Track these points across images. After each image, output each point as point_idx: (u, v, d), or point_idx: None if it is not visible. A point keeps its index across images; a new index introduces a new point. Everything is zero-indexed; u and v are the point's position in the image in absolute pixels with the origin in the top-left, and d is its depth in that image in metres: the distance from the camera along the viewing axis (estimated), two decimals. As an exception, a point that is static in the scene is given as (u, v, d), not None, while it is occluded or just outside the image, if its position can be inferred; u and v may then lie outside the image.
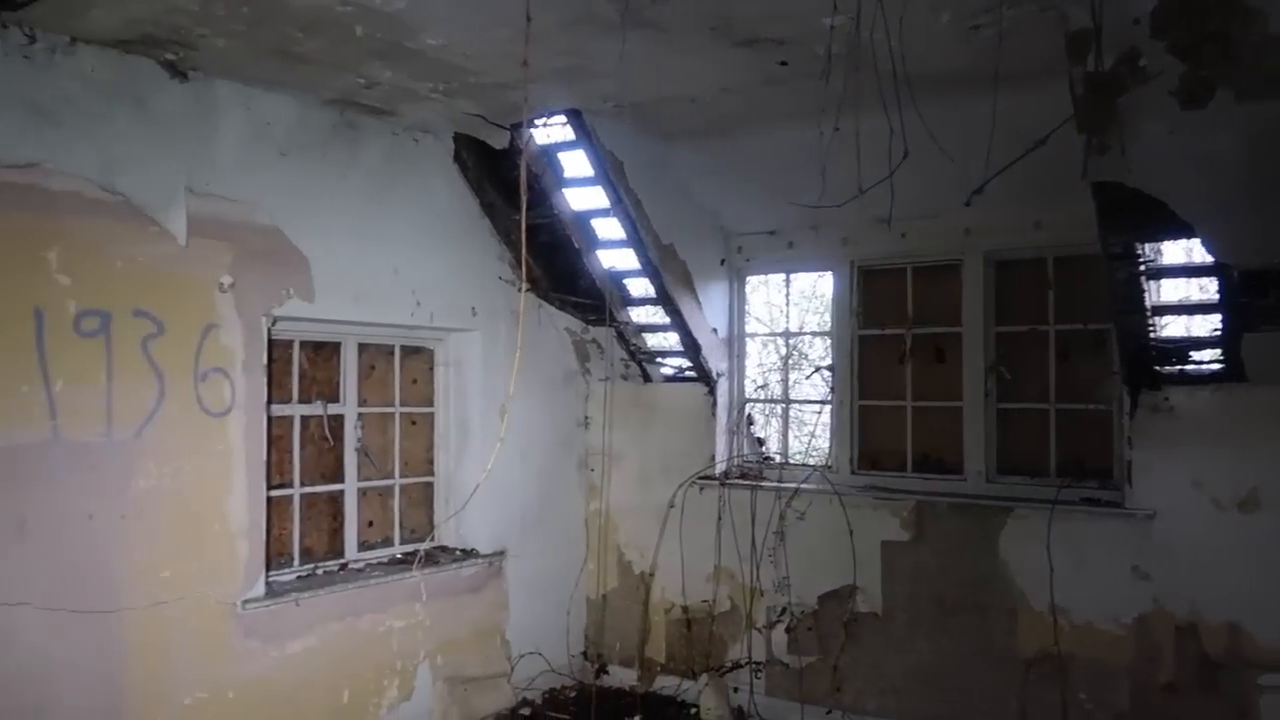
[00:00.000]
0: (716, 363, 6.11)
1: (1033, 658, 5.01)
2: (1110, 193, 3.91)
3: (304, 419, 5.13)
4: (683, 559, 6.13)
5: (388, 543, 5.59)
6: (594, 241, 5.90)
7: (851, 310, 5.84)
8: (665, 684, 6.19)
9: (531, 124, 5.30)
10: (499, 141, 5.43)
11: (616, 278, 6.08)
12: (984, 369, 5.38)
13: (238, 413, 4.47)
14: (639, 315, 6.31)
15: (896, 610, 5.45)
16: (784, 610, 5.80)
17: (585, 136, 5.18)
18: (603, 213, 5.68)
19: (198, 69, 4.34)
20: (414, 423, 5.80)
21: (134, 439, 4.08)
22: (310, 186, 4.84)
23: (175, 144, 4.28)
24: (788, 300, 6.64)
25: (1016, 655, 5.06)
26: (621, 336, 6.29)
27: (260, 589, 4.55)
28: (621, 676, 6.36)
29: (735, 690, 5.90)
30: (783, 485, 5.79)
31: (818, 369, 6.25)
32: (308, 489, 5.15)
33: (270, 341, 4.69)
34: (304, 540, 5.14)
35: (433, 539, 5.82)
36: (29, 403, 3.76)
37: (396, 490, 5.65)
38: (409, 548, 5.63)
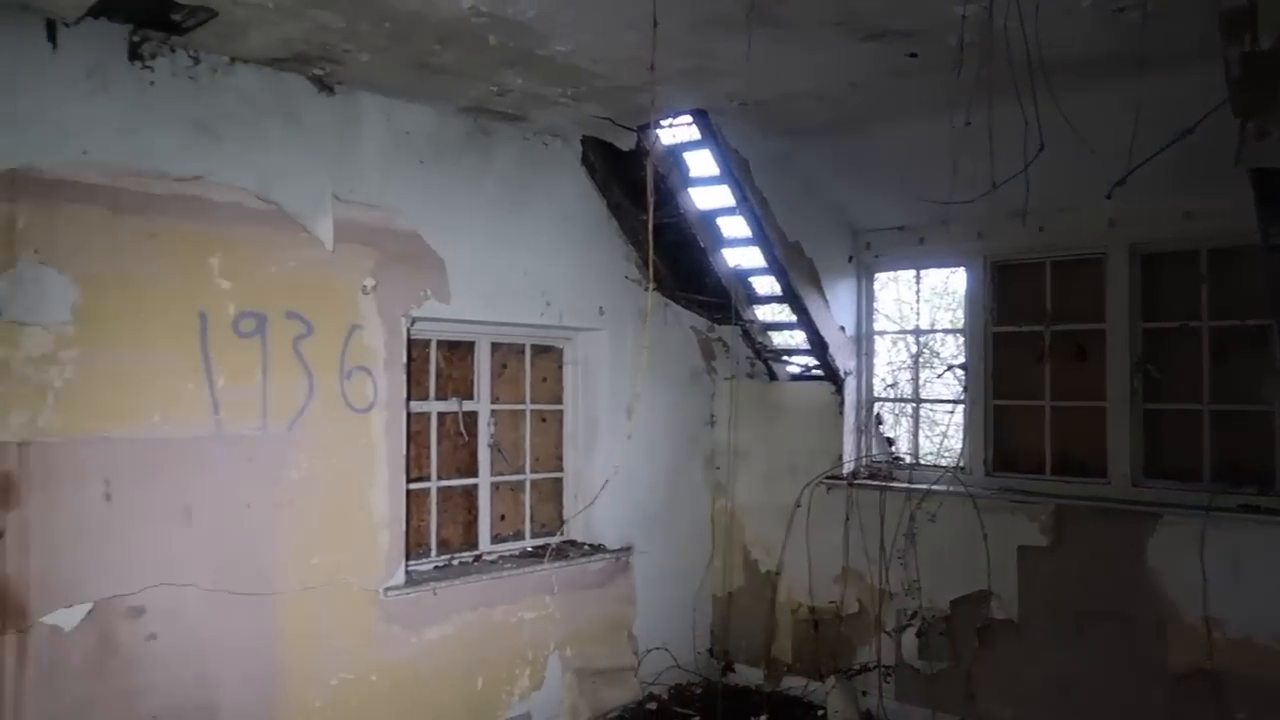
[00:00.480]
0: (844, 361, 6.03)
1: (1183, 673, 4.74)
2: (1270, 180, 3.67)
3: (440, 415, 5.34)
4: (809, 559, 6.08)
5: (519, 536, 5.77)
6: (719, 240, 5.92)
7: (985, 306, 5.66)
8: (792, 684, 6.16)
9: (657, 125, 5.36)
10: (626, 143, 5.52)
11: (742, 276, 6.08)
12: (1130, 367, 5.12)
13: (380, 409, 4.70)
14: (765, 313, 6.28)
15: (1034, 618, 5.26)
16: (914, 614, 5.67)
17: (710, 136, 5.20)
18: (728, 211, 5.69)
19: (343, 83, 4.58)
20: (544, 420, 5.95)
21: (286, 432, 4.35)
22: (446, 192, 5.04)
23: (323, 155, 4.53)
24: (918, 297, 6.49)
25: (1165, 670, 4.80)
26: (747, 335, 6.28)
27: (401, 577, 4.77)
28: (748, 675, 6.36)
29: (864, 694, 5.81)
30: (913, 486, 5.66)
31: (950, 367, 6.09)
32: (444, 483, 5.36)
33: (409, 341, 4.91)
34: (440, 532, 5.35)
35: (562, 533, 5.96)
36: (195, 399, 4.06)
37: (527, 485, 5.82)
38: (539, 541, 5.78)
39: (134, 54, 3.95)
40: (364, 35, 3.97)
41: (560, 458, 6.01)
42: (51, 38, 3.72)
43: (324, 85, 4.56)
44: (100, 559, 3.78)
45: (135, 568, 3.87)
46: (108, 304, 3.82)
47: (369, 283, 4.68)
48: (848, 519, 5.91)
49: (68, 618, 3.68)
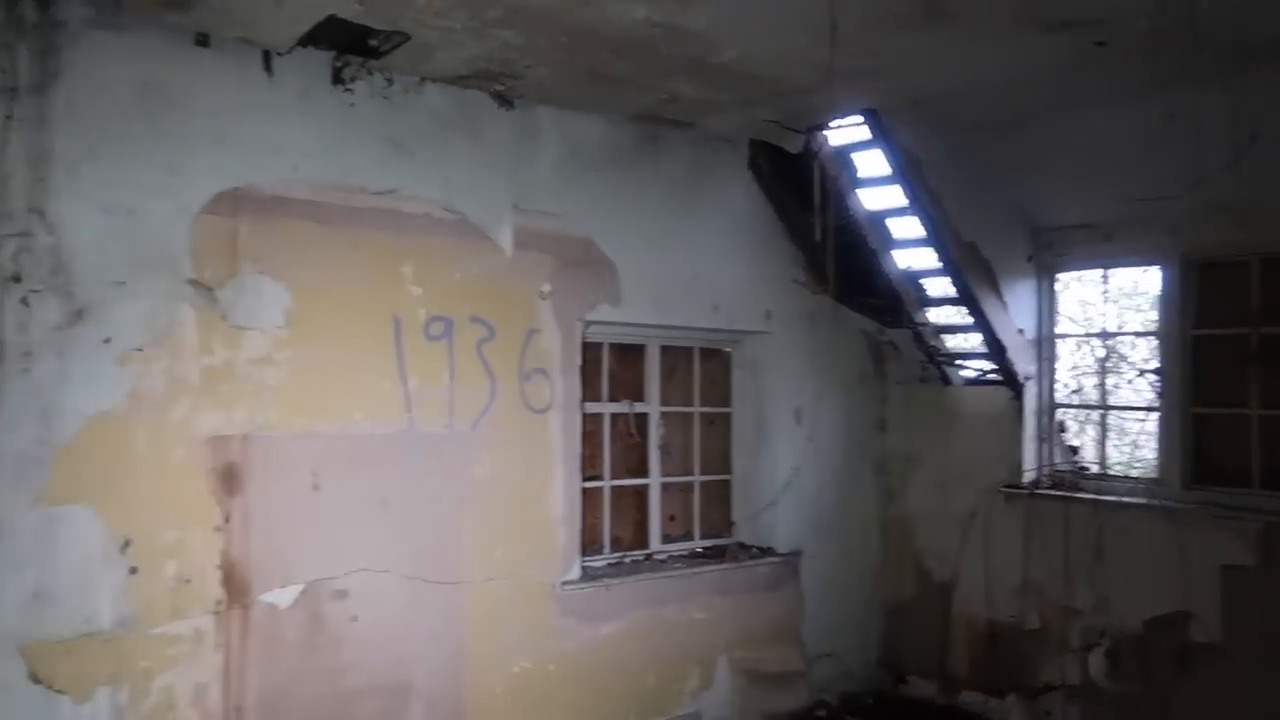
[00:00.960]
0: (1023, 365, 5.79)
1: None
2: None
3: (612, 417, 5.49)
4: (986, 570, 5.86)
5: (688, 537, 5.84)
6: (890, 241, 5.81)
7: (1182, 308, 5.30)
8: (969, 699, 5.94)
9: (826, 126, 5.33)
10: (794, 146, 5.51)
11: (913, 278, 5.94)
12: (1353, 371, 4.68)
13: (556, 410, 4.88)
14: (938, 316, 6.11)
15: (1241, 643, 4.86)
16: (1103, 633, 5.37)
17: (881, 135, 5.13)
18: (899, 211, 5.58)
19: (521, 97, 4.79)
20: (712, 422, 6.01)
21: (471, 431, 4.59)
22: (617, 198, 5.18)
23: (503, 166, 4.76)
24: (1105, 298, 6.15)
25: (1398, 703, 4.36)
26: (919, 338, 6.13)
27: (576, 573, 4.94)
28: (921, 688, 6.18)
29: (1047, 715, 5.54)
30: (1101, 498, 5.37)
31: (1142, 372, 5.73)
32: (616, 483, 5.50)
33: (583, 344, 5.07)
34: (612, 530, 5.49)
35: (731, 535, 5.99)
36: (391, 398, 4.35)
37: (696, 487, 5.88)
38: (708, 543, 5.84)
39: (336, 78, 4.28)
40: (542, 50, 4.15)
41: (728, 460, 6.04)
42: (267, 67, 4.09)
43: (504, 100, 4.78)
44: (310, 544, 4.10)
45: (340, 553, 4.18)
46: (315, 309, 4.15)
47: (546, 288, 4.88)
48: (1028, 530, 5.66)
49: (283, 597, 4.03)
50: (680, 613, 5.35)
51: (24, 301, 3.50)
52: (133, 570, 3.69)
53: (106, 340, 3.67)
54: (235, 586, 3.91)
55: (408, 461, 4.39)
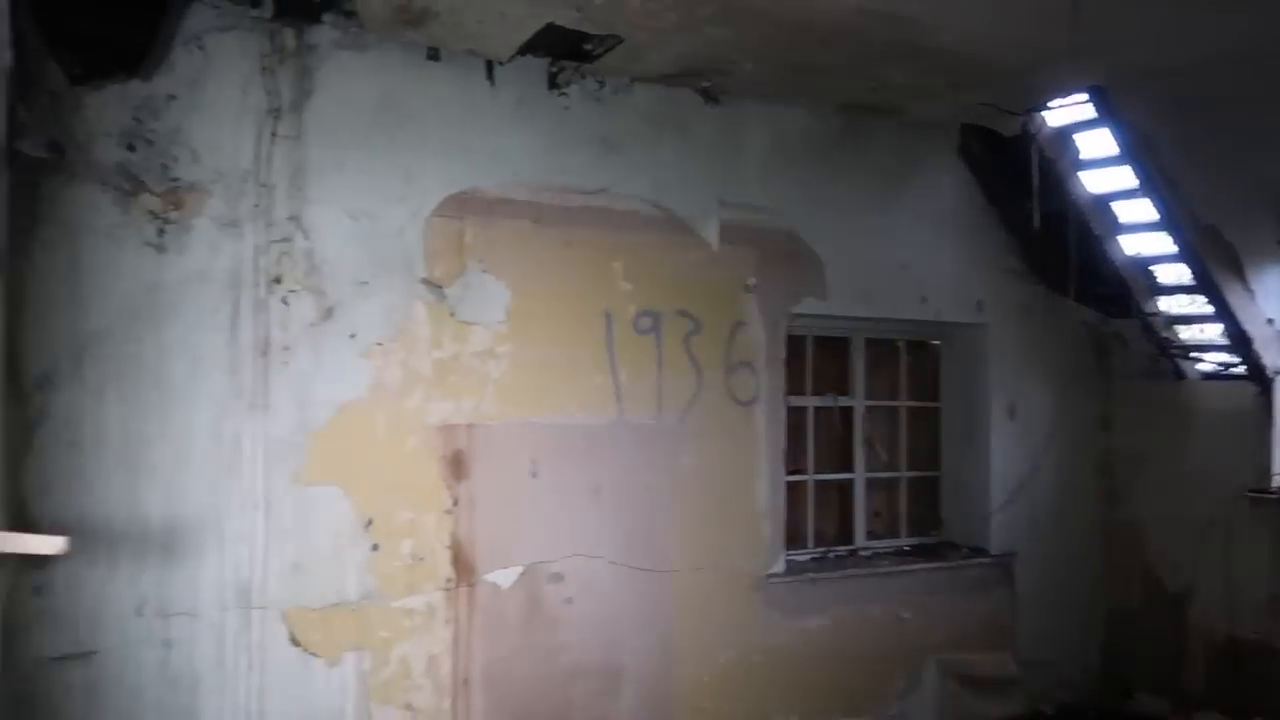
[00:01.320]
0: (1272, 358, 5.27)
1: None
2: None
3: (816, 411, 5.44)
4: (1228, 582, 5.39)
5: (893, 534, 5.71)
6: (1115, 226, 5.44)
7: None
8: (1204, 720, 5.50)
9: (1046, 106, 5.05)
10: (1010, 129, 5.26)
11: (1143, 264, 5.54)
12: None
13: (761, 403, 4.90)
14: (1171, 305, 5.68)
15: None
16: (1370, 655, 4.83)
17: (1109, 113, 4.81)
18: (1127, 194, 5.22)
19: (727, 92, 4.83)
20: (919, 417, 5.84)
21: (678, 423, 4.68)
22: (822, 190, 5.12)
23: (709, 161, 4.82)
24: (1372, 283, 5.50)
25: None
26: (1149, 329, 5.70)
27: (781, 566, 4.94)
28: (1150, 704, 5.76)
29: (1300, 741, 5.05)
30: (1368, 505, 4.83)
31: None
32: (820, 477, 5.45)
33: (787, 337, 5.06)
34: (816, 524, 5.45)
35: (939, 534, 5.80)
36: (602, 390, 4.50)
37: (902, 483, 5.74)
38: (914, 540, 5.69)
39: (552, 83, 4.47)
40: (751, 45, 4.17)
41: (936, 456, 5.86)
42: (489, 76, 4.32)
43: (710, 96, 4.83)
44: (529, 528, 4.32)
45: (556, 538, 4.38)
46: (532, 305, 4.36)
47: (751, 281, 4.90)
48: (1278, 540, 5.16)
49: (504, 577, 4.25)
50: (886, 611, 5.24)
51: (284, 301, 3.87)
52: (374, 547, 4.01)
53: (352, 335, 4.00)
54: (462, 566, 4.17)
55: (618, 452, 4.53)
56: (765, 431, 4.91)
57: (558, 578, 4.37)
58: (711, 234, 4.80)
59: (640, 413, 4.59)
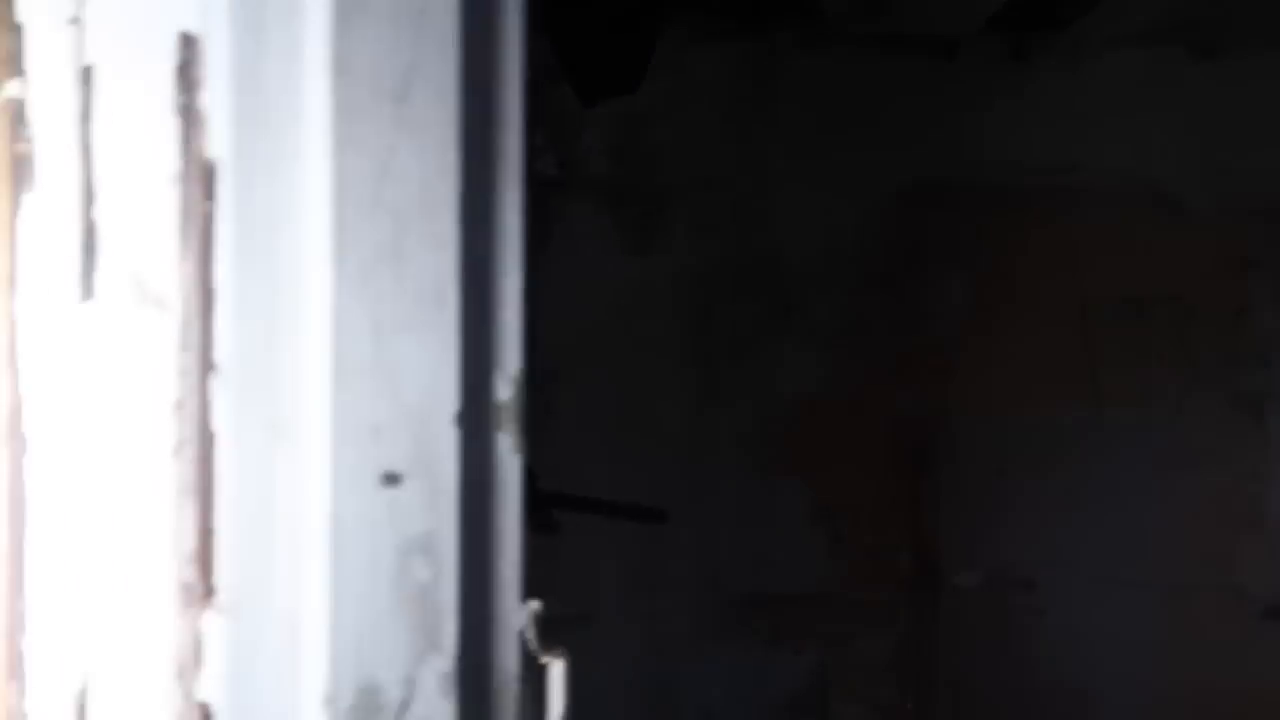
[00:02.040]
0: None
1: None
2: None
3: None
4: None
5: None
6: None
7: None
8: None
9: None
10: None
11: None
12: None
13: (1273, 404, 4.21)
14: None
15: None
16: None
17: None
18: None
19: (1220, 47, 4.19)
20: None
21: (1167, 424, 4.16)
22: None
23: (1201, 126, 4.21)
24: None
25: None
26: None
27: (1299, 594, 4.20)
28: None
29: None
30: None
31: None
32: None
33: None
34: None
35: None
36: (1076, 386, 4.14)
37: None
38: None
39: (1016, 55, 4.18)
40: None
41: None
42: (949, 55, 4.15)
43: (1202, 52, 4.23)
44: (995, 531, 4.10)
45: (1026, 544, 4.10)
46: (999, 296, 4.13)
47: (1256, 259, 4.21)
48: None
49: (968, 580, 4.09)
50: None
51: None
52: (835, 539, 4.04)
53: (810, 330, 4.07)
54: (924, 565, 4.06)
55: (1096, 454, 4.13)
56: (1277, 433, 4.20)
57: (1028, 586, 4.10)
58: (1208, 207, 4.21)
59: (1121, 412, 4.15)
